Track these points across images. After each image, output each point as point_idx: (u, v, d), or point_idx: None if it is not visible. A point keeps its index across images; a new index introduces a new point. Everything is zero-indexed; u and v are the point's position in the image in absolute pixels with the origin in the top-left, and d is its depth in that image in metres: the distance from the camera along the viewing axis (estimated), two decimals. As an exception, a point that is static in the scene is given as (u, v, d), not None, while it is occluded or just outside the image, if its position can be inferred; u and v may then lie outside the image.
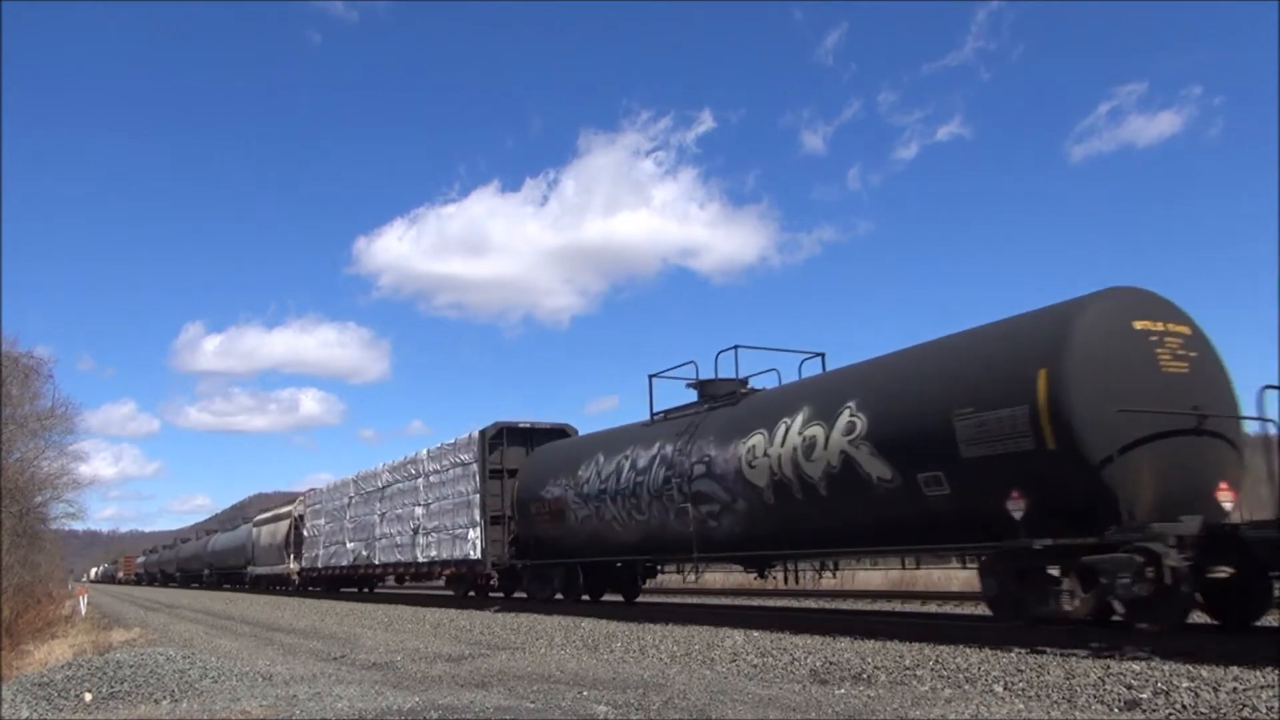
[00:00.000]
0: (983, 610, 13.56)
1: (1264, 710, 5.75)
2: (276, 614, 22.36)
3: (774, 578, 14.15)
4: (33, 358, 30.01)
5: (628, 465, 15.03)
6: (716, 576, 28.48)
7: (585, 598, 17.90)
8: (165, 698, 8.39)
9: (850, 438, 10.56)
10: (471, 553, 19.45)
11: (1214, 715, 5.86)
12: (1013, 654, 8.15)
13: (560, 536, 17.03)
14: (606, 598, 18.57)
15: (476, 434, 19.72)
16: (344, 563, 28.48)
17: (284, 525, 37.32)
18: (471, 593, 21.70)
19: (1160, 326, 8.95)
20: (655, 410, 15.58)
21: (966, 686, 7.26)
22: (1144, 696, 6.30)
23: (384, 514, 25.12)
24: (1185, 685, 6.35)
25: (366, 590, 33.44)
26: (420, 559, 22.31)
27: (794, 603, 18.28)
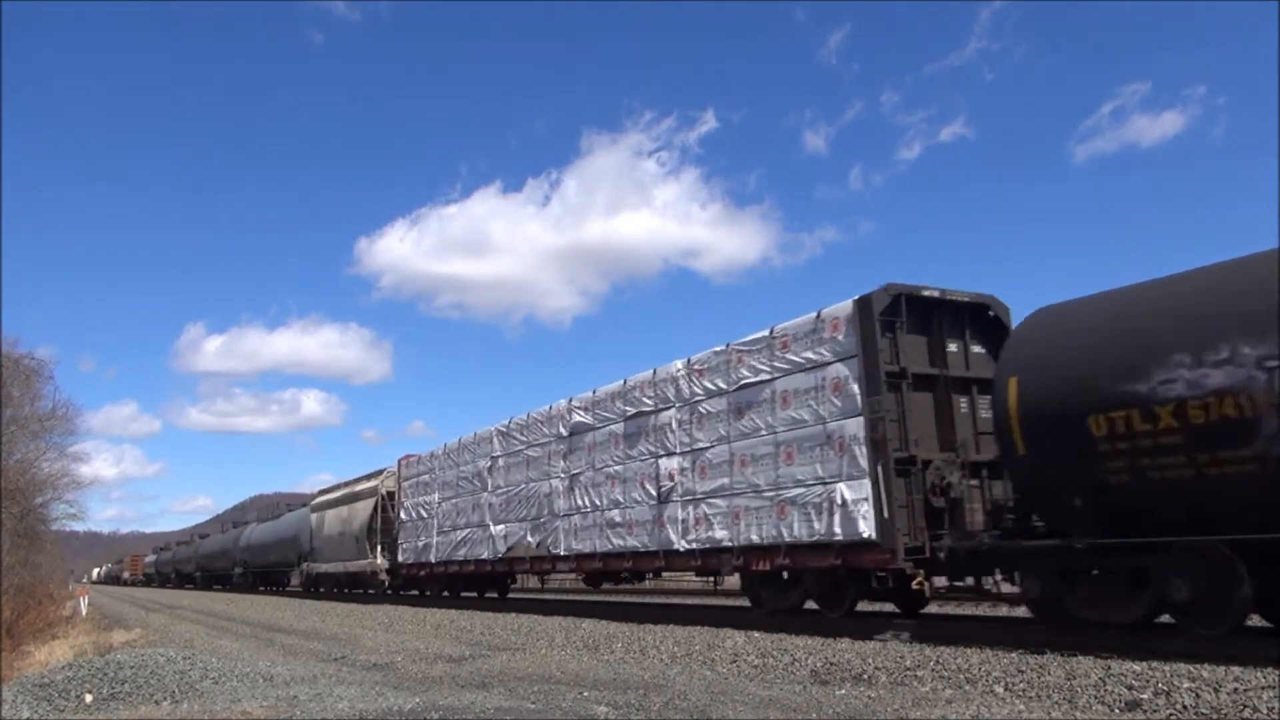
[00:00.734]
0: (983, 610, 13.56)
1: (1265, 711, 5.74)
2: (277, 615, 22.36)
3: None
4: (34, 359, 30.06)
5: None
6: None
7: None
8: (166, 699, 8.38)
9: None
10: (853, 527, 10.79)
11: (1215, 716, 5.85)
12: (1013, 655, 8.15)
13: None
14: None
15: (851, 306, 11.32)
16: (482, 554, 19.88)
17: (364, 508, 28.62)
18: (859, 606, 12.01)
19: None
20: None
21: (967, 687, 7.25)
22: (1145, 697, 6.29)
23: (578, 475, 16.66)
24: (1186, 686, 6.34)
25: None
26: (685, 543, 13.53)
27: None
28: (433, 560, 22.57)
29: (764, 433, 12.37)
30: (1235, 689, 6.17)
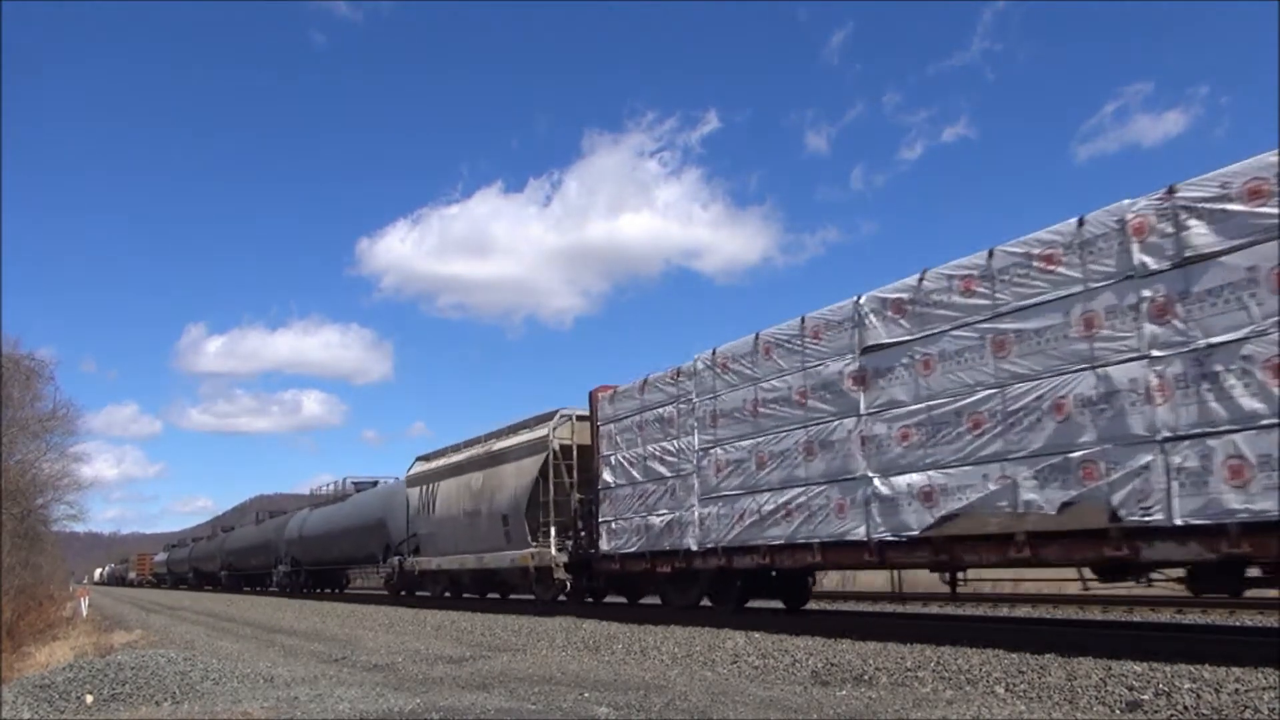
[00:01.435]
0: (984, 611, 13.56)
1: (1266, 711, 5.74)
2: (278, 616, 22.36)
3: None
4: (34, 360, 30.11)
5: None
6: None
7: None
8: (166, 699, 8.39)
9: None
10: None
11: (1216, 716, 5.85)
12: (1014, 655, 8.15)
13: None
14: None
15: None
16: (852, 527, 10.74)
17: (519, 473, 18.80)
18: None
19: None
20: None
21: (968, 688, 7.25)
22: (1145, 698, 6.29)
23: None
24: (1187, 686, 6.34)
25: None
26: None
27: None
28: (693, 546, 13.34)
29: None
30: (1236, 689, 6.17)
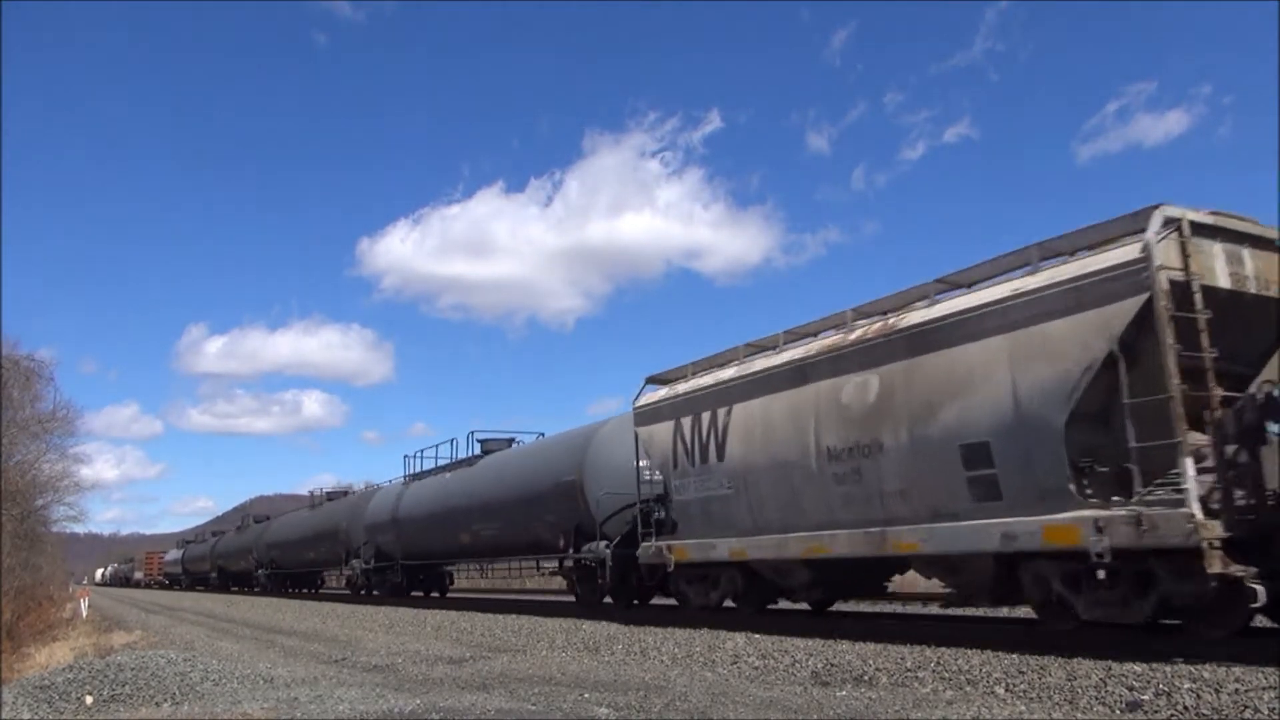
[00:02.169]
0: (984, 611, 13.56)
1: (1266, 711, 5.74)
2: (278, 616, 22.35)
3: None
4: (34, 360, 30.08)
5: None
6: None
7: None
8: (166, 700, 8.39)
9: None
10: None
11: (1216, 716, 5.85)
12: (1014, 655, 8.15)
13: None
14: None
15: None
16: None
17: (1050, 345, 8.37)
18: None
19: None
20: None
21: (968, 688, 7.25)
22: (1146, 698, 6.29)
23: None
24: (1187, 686, 6.34)
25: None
26: None
27: (794, 604, 18.24)
28: None
29: None
30: (1236, 689, 6.17)
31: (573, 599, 18.16)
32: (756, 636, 10.79)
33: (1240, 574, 7.27)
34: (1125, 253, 8.10)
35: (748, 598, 13.35)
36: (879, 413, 10.20)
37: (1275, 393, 7.73)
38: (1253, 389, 8.15)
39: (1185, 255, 7.98)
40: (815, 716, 6.55)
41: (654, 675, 8.91)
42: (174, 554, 68.95)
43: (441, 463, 24.23)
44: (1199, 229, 8.18)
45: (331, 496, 34.22)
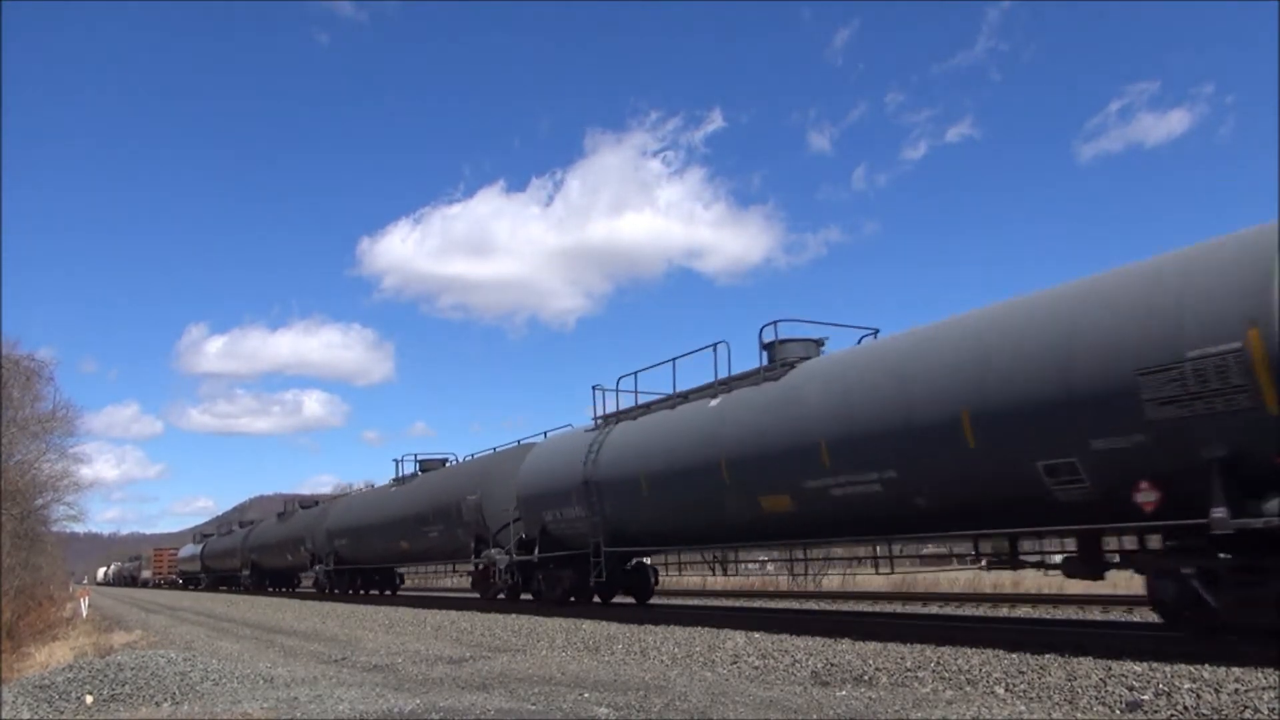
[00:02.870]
0: (984, 611, 13.54)
1: (1266, 711, 5.74)
2: (278, 616, 22.35)
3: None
4: (34, 360, 30.11)
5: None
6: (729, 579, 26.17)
7: None
8: (166, 700, 8.39)
9: None
10: None
11: (1216, 716, 5.85)
12: (1014, 655, 8.15)
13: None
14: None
15: None
16: None
17: None
18: None
19: None
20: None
21: (968, 688, 7.25)
22: (1146, 698, 6.29)
23: None
24: (1187, 686, 6.34)
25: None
26: None
27: (796, 604, 18.26)
28: None
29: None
30: (1236, 689, 6.16)
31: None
32: (756, 636, 10.79)
33: None
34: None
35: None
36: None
37: None
38: None
39: None
40: (815, 716, 6.55)
41: (654, 675, 8.91)
42: (190, 549, 60.40)
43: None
44: None
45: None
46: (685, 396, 14.50)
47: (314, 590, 33.52)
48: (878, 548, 15.48)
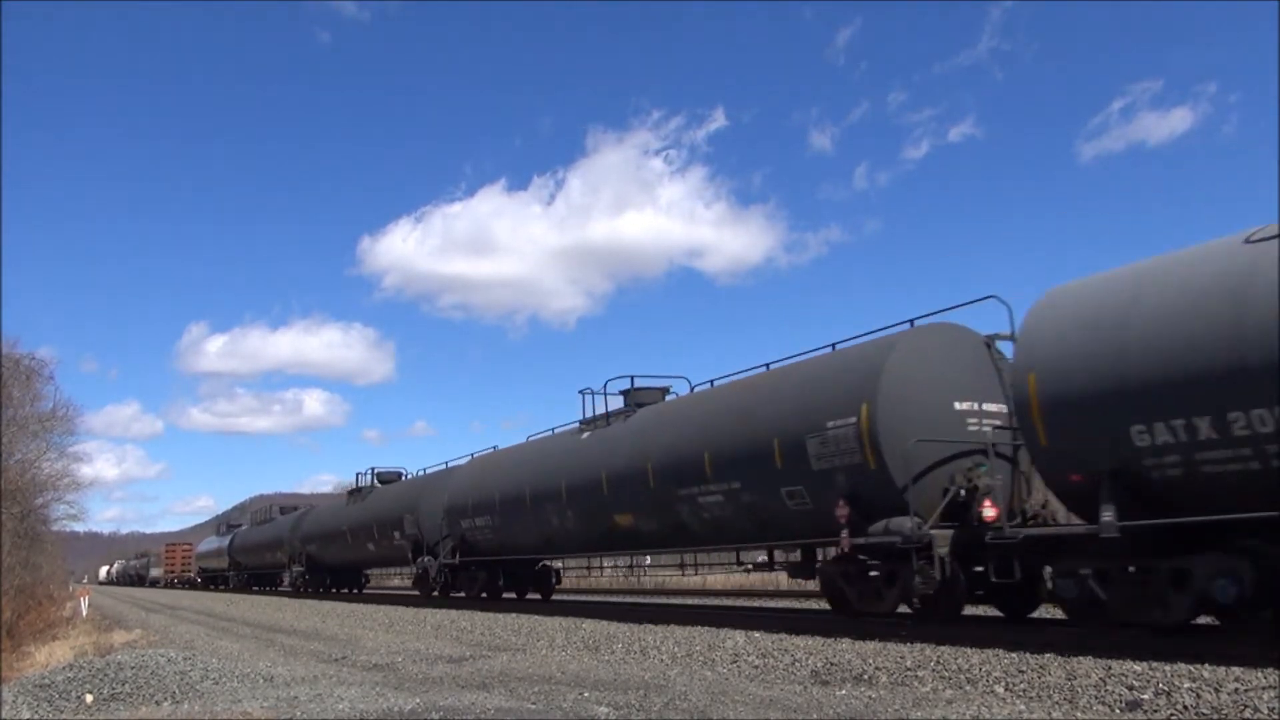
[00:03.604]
0: (984, 611, 13.56)
1: (1265, 711, 5.74)
2: (278, 615, 22.35)
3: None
4: (34, 359, 30.11)
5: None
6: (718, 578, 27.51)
7: None
8: (166, 699, 8.39)
9: None
10: None
11: (1216, 716, 5.85)
12: (1014, 655, 8.15)
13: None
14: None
15: None
16: None
17: None
18: None
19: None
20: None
21: (968, 687, 7.25)
22: (1145, 697, 6.29)
23: None
24: (1187, 686, 6.34)
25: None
26: None
27: (795, 604, 18.25)
28: None
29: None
30: (1236, 689, 6.17)
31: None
32: (756, 635, 10.79)
33: None
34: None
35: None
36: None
37: None
38: None
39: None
40: (815, 715, 6.55)
41: (654, 674, 8.91)
42: (214, 542, 51.32)
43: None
44: None
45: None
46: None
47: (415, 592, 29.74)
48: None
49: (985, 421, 10.91)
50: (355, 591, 34.84)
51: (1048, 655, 7.98)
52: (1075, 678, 6.96)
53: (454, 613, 18.51)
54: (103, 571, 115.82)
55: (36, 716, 8.11)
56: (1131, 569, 8.59)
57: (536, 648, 11.84)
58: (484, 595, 21.18)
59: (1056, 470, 9.06)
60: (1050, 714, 6.26)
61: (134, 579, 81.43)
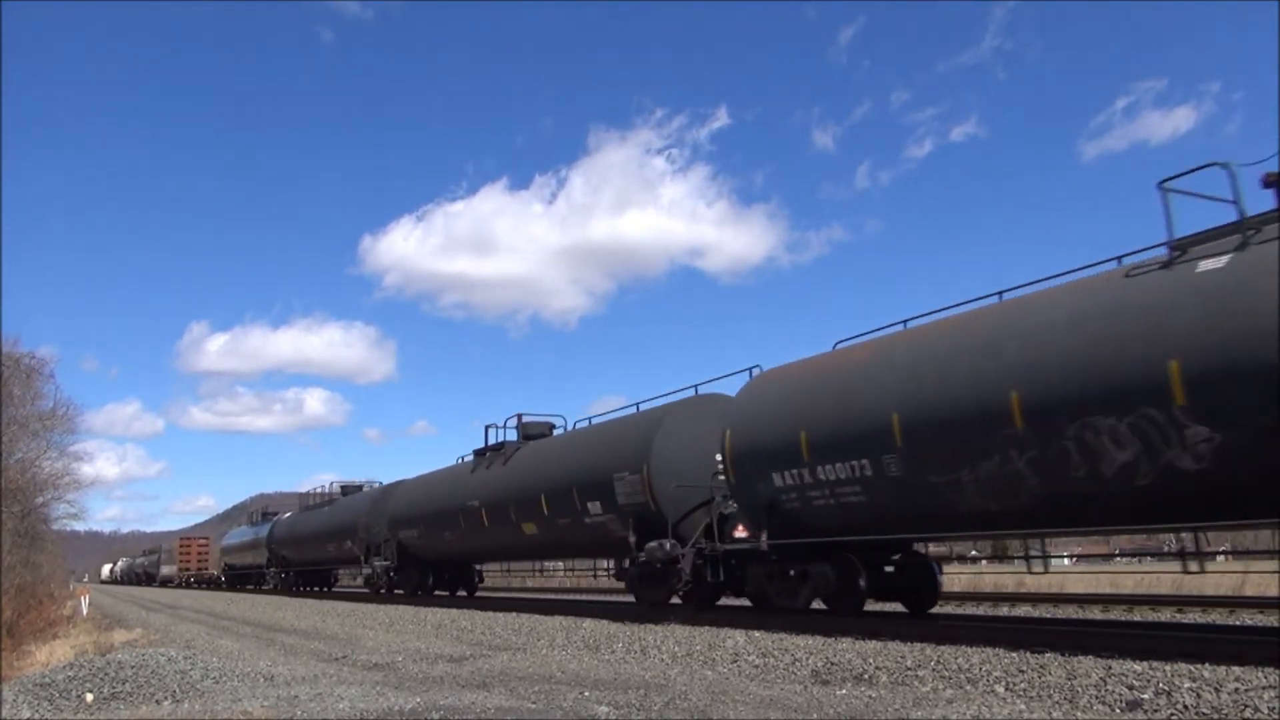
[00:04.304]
0: (983, 610, 13.57)
1: (1265, 710, 5.74)
2: (278, 615, 22.36)
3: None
4: (34, 358, 30.07)
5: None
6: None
7: None
8: (167, 698, 8.39)
9: None
10: None
11: (1216, 715, 5.85)
12: (1014, 654, 8.15)
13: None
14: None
15: None
16: None
17: None
18: None
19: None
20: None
21: (968, 687, 7.25)
22: (1146, 697, 6.29)
23: None
24: (1187, 685, 6.34)
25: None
26: None
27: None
28: None
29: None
30: (1236, 689, 6.17)
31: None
32: (756, 635, 10.80)
33: None
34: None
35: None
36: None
37: None
38: None
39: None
40: (815, 715, 6.55)
41: (654, 673, 8.91)
42: (245, 533, 44.15)
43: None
44: None
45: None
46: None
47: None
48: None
49: None
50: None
51: (1048, 655, 7.99)
52: (1075, 677, 6.96)
53: (454, 612, 18.52)
54: (105, 570, 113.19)
55: (37, 715, 8.11)
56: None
57: (537, 647, 11.84)
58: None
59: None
60: (1050, 714, 6.26)
61: (140, 578, 74.88)
